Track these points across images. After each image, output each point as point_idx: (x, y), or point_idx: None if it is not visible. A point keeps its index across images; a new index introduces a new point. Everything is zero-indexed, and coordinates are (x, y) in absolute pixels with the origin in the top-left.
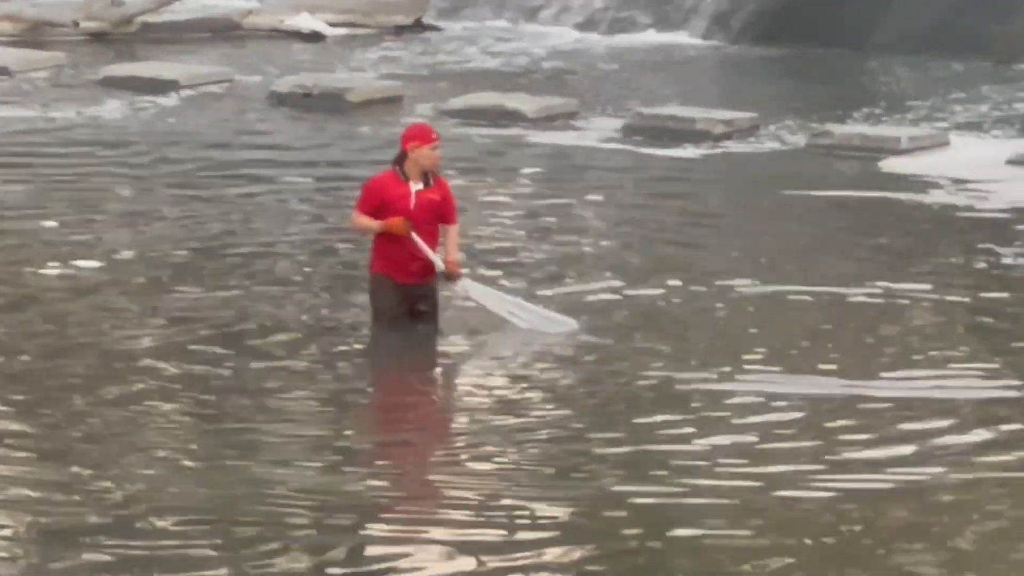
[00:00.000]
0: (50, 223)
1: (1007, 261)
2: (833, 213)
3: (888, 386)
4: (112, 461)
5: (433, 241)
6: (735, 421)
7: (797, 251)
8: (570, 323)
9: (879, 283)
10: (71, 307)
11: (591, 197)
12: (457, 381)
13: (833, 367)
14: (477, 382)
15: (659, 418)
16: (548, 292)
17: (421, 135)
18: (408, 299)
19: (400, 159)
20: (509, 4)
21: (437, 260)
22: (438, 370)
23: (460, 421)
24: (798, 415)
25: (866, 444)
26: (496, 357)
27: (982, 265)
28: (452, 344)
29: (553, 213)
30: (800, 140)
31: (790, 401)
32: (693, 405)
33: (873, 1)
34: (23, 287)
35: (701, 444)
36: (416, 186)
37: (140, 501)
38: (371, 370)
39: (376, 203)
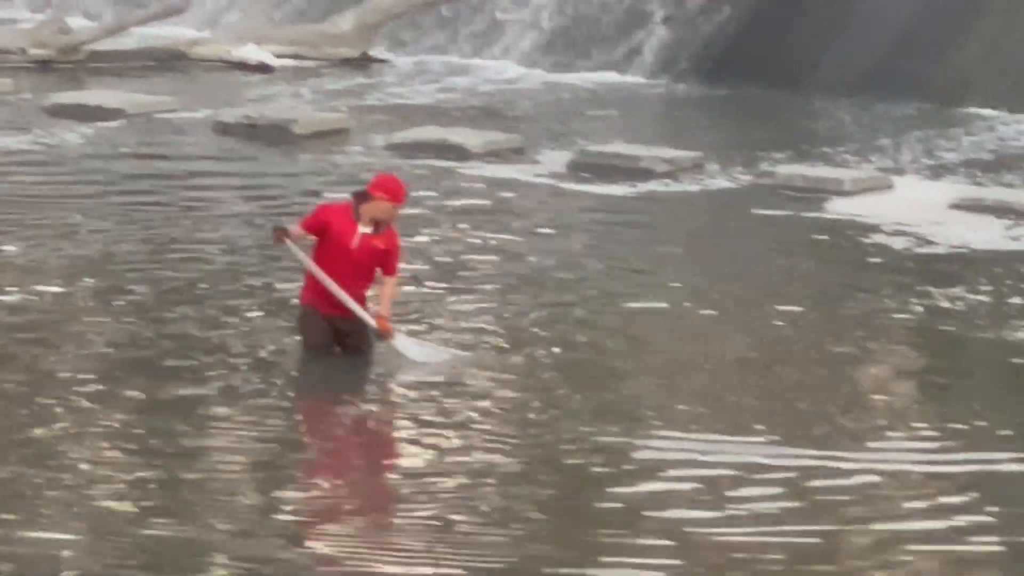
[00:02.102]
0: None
1: (945, 305)
2: (775, 254)
3: (823, 454)
4: (29, 511)
5: (365, 285)
6: (661, 474)
7: (737, 292)
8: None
9: (817, 324)
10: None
11: (534, 231)
12: (382, 420)
13: (762, 425)
14: (406, 424)
15: (592, 469)
16: (474, 309)
17: (392, 191)
18: (335, 331)
19: (361, 198)
20: (455, 39)
21: (367, 317)
22: (365, 407)
23: (387, 474)
24: (719, 472)
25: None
26: (429, 397)
27: (919, 309)
28: (382, 377)
29: (492, 246)
30: (743, 180)
31: (706, 458)
32: (630, 460)
33: (815, 42)
34: None
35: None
36: (364, 229)
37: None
38: (301, 404)
39: (320, 226)
